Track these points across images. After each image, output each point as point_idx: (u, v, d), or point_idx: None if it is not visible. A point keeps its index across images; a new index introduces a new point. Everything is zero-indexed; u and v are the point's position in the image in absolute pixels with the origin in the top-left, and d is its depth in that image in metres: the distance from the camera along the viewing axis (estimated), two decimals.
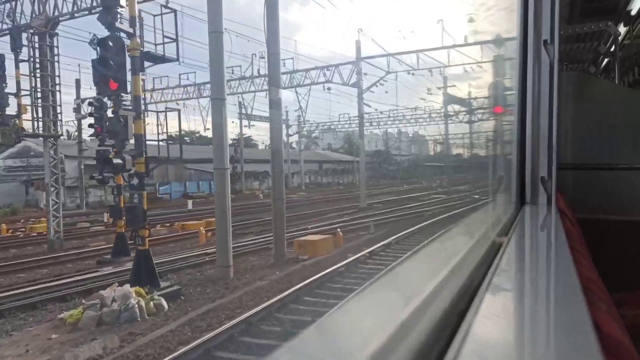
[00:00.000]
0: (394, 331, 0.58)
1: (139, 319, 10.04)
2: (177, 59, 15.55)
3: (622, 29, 8.81)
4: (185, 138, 73.85)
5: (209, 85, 38.45)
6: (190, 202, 38.62)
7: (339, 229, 19.23)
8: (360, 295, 0.79)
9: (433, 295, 0.77)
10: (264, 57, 35.81)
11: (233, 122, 58.57)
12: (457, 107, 51.22)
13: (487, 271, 1.03)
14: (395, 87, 59.23)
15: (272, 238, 16.90)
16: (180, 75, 43.79)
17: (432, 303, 0.74)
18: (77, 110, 35.25)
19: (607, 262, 2.09)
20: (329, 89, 40.32)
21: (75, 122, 39.85)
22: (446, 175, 69.04)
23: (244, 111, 56.96)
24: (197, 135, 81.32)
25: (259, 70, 39.82)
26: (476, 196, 29.98)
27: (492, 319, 0.80)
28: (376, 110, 54.95)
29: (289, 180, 63.82)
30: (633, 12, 8.07)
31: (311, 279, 12.14)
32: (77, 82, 36.91)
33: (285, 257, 15.89)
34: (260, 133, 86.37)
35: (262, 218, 25.98)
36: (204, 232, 21.38)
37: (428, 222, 22.15)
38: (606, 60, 10.57)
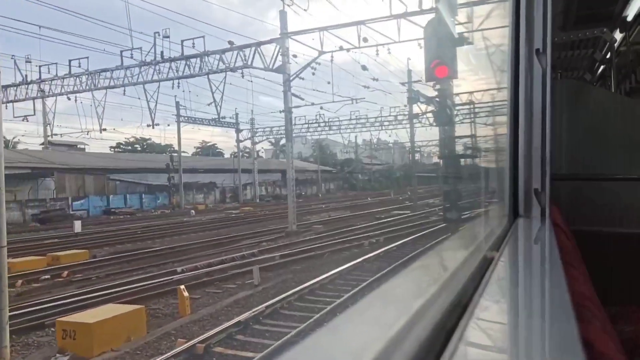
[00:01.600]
0: (381, 348, 0.57)
1: None
2: None
3: (618, 36, 8.83)
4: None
5: (107, 74, 33.62)
6: (78, 223, 28.81)
7: (182, 287, 11.74)
8: (349, 312, 0.78)
9: (422, 311, 0.76)
10: (168, 37, 30.97)
11: (169, 125, 50.95)
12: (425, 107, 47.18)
13: (477, 287, 1.02)
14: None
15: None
16: (70, 61, 34.50)
17: (421, 320, 0.73)
18: None
19: (603, 275, 2.08)
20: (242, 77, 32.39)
21: None
22: (420, 185, 67.36)
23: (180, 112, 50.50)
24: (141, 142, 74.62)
25: (162, 52, 31.76)
26: (447, 213, 29.11)
27: (481, 337, 0.79)
28: (317, 106, 47.92)
29: (240, 192, 60.28)
30: (629, 19, 8.08)
31: None
32: None
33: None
34: (193, 137, 79.90)
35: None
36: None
37: (364, 257, 16.98)
38: (602, 67, 10.59)
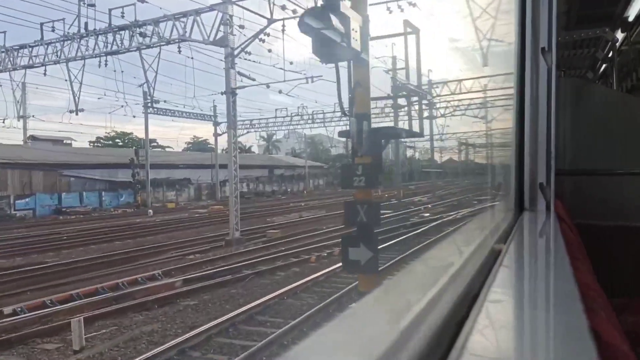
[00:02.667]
0: (393, 340, 0.58)
1: None
2: None
3: (619, 35, 8.85)
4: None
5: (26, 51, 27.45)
6: None
7: None
8: (360, 304, 0.79)
9: (432, 303, 0.77)
10: (94, 5, 25.14)
11: (134, 116, 44.64)
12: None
13: (485, 279, 1.04)
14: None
15: None
16: None
17: (431, 311, 0.74)
18: None
19: (606, 268, 2.10)
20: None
21: None
22: (413, 182, 64.18)
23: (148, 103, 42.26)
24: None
25: (86, 23, 25.70)
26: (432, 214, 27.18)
27: (491, 327, 0.80)
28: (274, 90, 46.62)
29: (217, 189, 55.53)
30: (630, 19, 8.10)
31: None
32: None
33: None
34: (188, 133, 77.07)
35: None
36: None
37: (291, 285, 13.06)
38: (604, 66, 10.60)
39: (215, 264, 16.64)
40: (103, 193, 46.37)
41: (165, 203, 47.79)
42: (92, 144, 68.24)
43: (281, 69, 30.25)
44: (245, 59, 26.43)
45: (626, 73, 10.42)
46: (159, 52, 28.22)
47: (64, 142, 57.60)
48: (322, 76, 30.98)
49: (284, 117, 52.15)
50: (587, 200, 3.56)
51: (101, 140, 71.61)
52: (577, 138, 3.78)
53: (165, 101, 42.99)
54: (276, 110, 52.64)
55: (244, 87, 26.73)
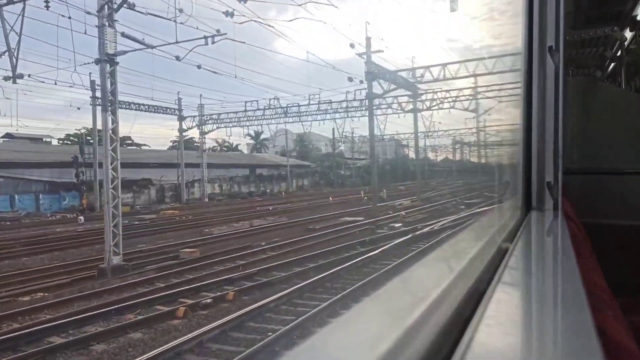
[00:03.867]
0: (400, 336, 0.58)
1: None
2: None
3: (628, 34, 8.83)
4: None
5: None
6: None
7: None
8: (369, 300, 0.80)
9: (439, 300, 0.77)
10: None
11: (78, 109, 40.82)
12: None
13: (492, 277, 1.04)
14: None
15: None
16: None
17: (438, 308, 0.75)
18: None
19: (613, 267, 2.09)
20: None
21: None
22: (401, 182, 62.36)
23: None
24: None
25: None
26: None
27: (497, 325, 0.81)
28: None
29: (182, 191, 49.97)
30: (639, 17, 8.07)
31: None
32: None
33: None
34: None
35: None
36: None
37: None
38: (612, 65, 10.57)
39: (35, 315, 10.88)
40: (41, 196, 40.28)
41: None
42: (61, 142, 62.07)
43: (181, 24, 22.76)
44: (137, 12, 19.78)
45: (634, 72, 10.38)
46: (23, 9, 21.35)
47: (44, 140, 54.46)
48: (226, 34, 23.96)
49: (254, 110, 47.72)
50: (595, 199, 3.55)
51: (71, 138, 64.07)
52: (585, 137, 3.77)
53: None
54: (246, 103, 47.59)
55: (124, 52, 18.47)
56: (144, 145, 68.90)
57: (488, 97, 37.91)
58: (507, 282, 1.02)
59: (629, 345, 0.89)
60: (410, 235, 18.90)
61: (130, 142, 66.19)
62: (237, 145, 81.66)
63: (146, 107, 45.43)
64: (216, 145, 77.61)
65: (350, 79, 37.22)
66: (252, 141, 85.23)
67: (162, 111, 48.64)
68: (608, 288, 1.35)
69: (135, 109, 44.15)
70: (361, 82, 36.76)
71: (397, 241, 18.00)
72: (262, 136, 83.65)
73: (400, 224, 23.22)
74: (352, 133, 71.84)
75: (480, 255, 1.17)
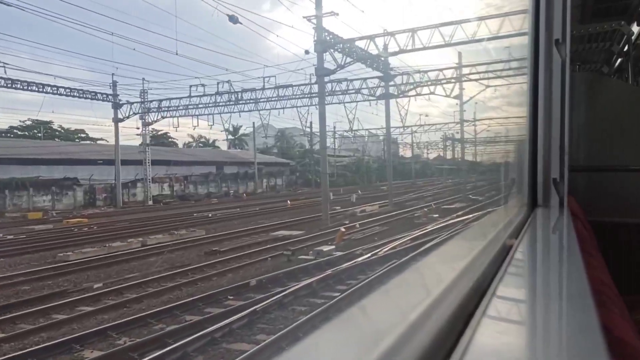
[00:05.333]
0: (403, 331, 0.58)
1: None
2: None
3: (635, 29, 8.76)
4: None
5: None
6: None
7: None
8: (371, 296, 0.79)
9: (440, 298, 0.77)
10: None
11: None
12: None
13: (496, 273, 1.03)
14: None
15: None
16: None
17: (439, 306, 0.74)
18: None
19: (619, 265, 2.08)
20: None
21: None
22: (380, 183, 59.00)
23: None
24: None
25: None
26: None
27: (500, 321, 0.80)
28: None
29: (119, 192, 42.70)
30: None
31: None
32: None
33: None
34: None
35: None
36: None
37: None
38: (619, 60, 10.51)
39: None
40: None
41: (30, 211, 34.83)
42: (2, 134, 56.84)
43: None
44: None
45: None
46: None
47: None
48: None
49: (200, 96, 39.88)
50: (600, 197, 3.53)
51: (15, 131, 59.17)
52: (590, 133, 3.75)
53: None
54: (190, 87, 39.83)
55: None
56: (101, 140, 60.11)
57: (473, 80, 35.10)
58: (511, 278, 1.01)
59: (635, 343, 0.88)
60: (330, 271, 12.81)
61: (84, 135, 61.06)
62: (214, 141, 75.72)
63: (67, 90, 37.74)
64: (192, 141, 73.09)
65: (307, 52, 29.22)
66: (231, 137, 77.31)
67: (89, 96, 40.02)
68: (614, 285, 1.34)
69: (52, 93, 36.77)
70: (307, 52, 28.96)
71: (299, 285, 11.64)
72: (261, 133, 77.11)
73: (331, 247, 16.56)
74: (335, 127, 66.74)
75: (484, 251, 1.17)
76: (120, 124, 42.84)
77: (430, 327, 0.66)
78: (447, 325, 0.71)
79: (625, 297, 1.41)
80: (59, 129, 61.57)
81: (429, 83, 36.01)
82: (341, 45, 27.31)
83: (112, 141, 46.20)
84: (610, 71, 11.07)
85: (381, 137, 72.66)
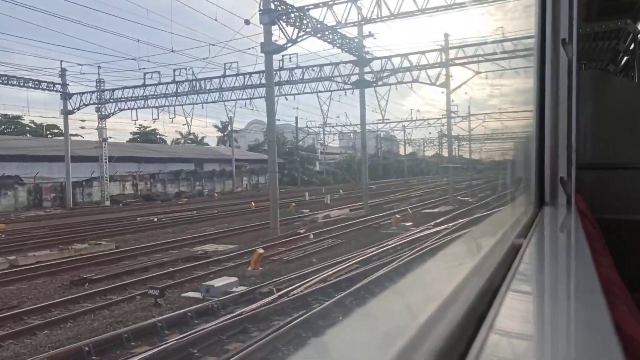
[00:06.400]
0: (415, 332, 0.58)
1: None
2: None
3: None
4: None
5: None
6: None
7: None
8: (382, 297, 0.79)
9: (453, 296, 0.77)
10: None
11: None
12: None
13: (506, 272, 1.03)
14: None
15: None
16: None
17: (453, 304, 0.74)
18: None
19: (627, 263, 2.08)
20: None
21: None
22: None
23: None
24: None
25: None
26: None
27: (513, 320, 0.80)
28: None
29: (68, 192, 38.63)
30: None
31: None
32: None
33: None
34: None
35: None
36: None
37: None
38: (625, 58, 10.46)
39: None
40: None
41: None
42: None
43: None
44: None
45: None
46: None
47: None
48: None
49: (155, 84, 35.40)
50: (608, 195, 3.52)
51: None
52: (597, 131, 3.73)
53: None
54: (145, 74, 34.92)
55: None
56: (76, 135, 51.63)
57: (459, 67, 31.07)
58: (521, 278, 1.01)
59: None
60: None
61: (58, 131, 52.92)
62: (202, 138, 71.20)
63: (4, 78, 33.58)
64: (180, 137, 69.29)
65: (247, 22, 23.31)
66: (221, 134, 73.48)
67: (32, 85, 35.84)
68: (623, 284, 1.34)
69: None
70: (247, 22, 23.21)
71: None
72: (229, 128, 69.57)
73: (233, 280, 11.88)
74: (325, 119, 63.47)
75: (493, 251, 1.16)
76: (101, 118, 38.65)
77: (443, 328, 0.66)
78: (460, 326, 0.70)
79: (634, 294, 1.40)
80: (31, 124, 56.53)
81: (414, 69, 30.55)
82: (293, 14, 22.61)
83: (88, 137, 44.62)
84: (616, 70, 11.02)
85: (374, 133, 70.33)
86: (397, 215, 22.76)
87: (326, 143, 72.79)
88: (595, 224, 2.31)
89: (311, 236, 19.23)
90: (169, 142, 67.95)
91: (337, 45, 27.00)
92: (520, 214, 1.90)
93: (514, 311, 0.84)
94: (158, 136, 66.46)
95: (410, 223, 21.27)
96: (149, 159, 47.70)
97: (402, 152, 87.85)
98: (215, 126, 65.29)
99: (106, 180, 40.44)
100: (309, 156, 70.20)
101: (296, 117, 55.18)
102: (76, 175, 39.65)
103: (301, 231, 20.74)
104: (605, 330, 0.67)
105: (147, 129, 60.41)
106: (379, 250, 15.40)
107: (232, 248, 17.75)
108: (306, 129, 67.12)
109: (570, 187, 2.12)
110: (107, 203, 40.01)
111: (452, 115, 47.65)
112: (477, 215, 19.20)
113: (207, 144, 69.41)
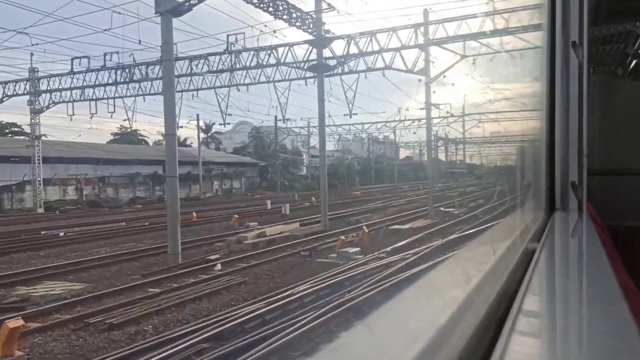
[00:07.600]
0: (434, 335, 0.58)
1: None
2: None
3: None
4: None
5: None
6: None
7: None
8: (397, 301, 0.79)
9: (469, 300, 0.76)
10: None
11: None
12: None
13: (522, 276, 1.03)
14: None
15: None
16: None
17: (470, 308, 0.74)
18: None
19: (638, 270, 2.06)
20: None
21: None
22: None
23: None
24: None
25: None
26: None
27: (534, 324, 0.80)
28: None
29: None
30: None
31: None
32: None
33: None
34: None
35: None
36: None
37: None
38: (634, 62, 10.42)
39: None
40: None
41: None
42: None
43: None
44: None
45: None
46: None
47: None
48: None
49: (84, 72, 29.45)
50: (617, 201, 3.49)
51: None
52: (606, 136, 3.71)
53: None
54: (72, 60, 28.78)
55: None
56: (48, 135, 46.12)
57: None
58: (538, 283, 1.01)
59: None
60: None
61: (18, 129, 49.97)
62: (185, 140, 64.06)
63: None
64: (162, 139, 59.34)
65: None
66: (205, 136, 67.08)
67: None
68: (637, 289, 1.33)
69: None
70: None
71: None
72: (240, 131, 69.43)
73: None
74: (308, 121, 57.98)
75: (506, 255, 1.16)
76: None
77: (462, 330, 0.66)
78: (480, 328, 0.70)
79: None
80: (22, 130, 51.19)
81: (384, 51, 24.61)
82: None
83: (58, 136, 39.86)
84: (625, 73, 10.98)
85: (364, 135, 66.60)
86: (343, 237, 17.84)
87: (312, 145, 65.14)
88: (605, 230, 2.30)
89: (218, 266, 14.81)
90: (150, 144, 63.45)
91: (281, 17, 22.34)
92: (532, 219, 1.89)
93: (535, 315, 0.83)
94: (140, 137, 62.72)
95: (358, 249, 16.21)
96: (107, 161, 43.34)
97: (401, 155, 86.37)
98: (201, 127, 58.50)
99: (39, 184, 35.43)
100: (293, 159, 66.65)
101: (275, 117, 48.68)
102: (4, 179, 35.46)
103: (213, 257, 16.05)
104: (630, 337, 0.67)
105: (127, 129, 55.99)
106: (274, 305, 10.00)
107: (76, 290, 12.26)
108: (294, 129, 63.03)
109: (581, 192, 2.11)
110: (41, 210, 35.11)
111: (451, 115, 47.02)
112: (470, 231, 17.39)
113: (190, 146, 63.47)
